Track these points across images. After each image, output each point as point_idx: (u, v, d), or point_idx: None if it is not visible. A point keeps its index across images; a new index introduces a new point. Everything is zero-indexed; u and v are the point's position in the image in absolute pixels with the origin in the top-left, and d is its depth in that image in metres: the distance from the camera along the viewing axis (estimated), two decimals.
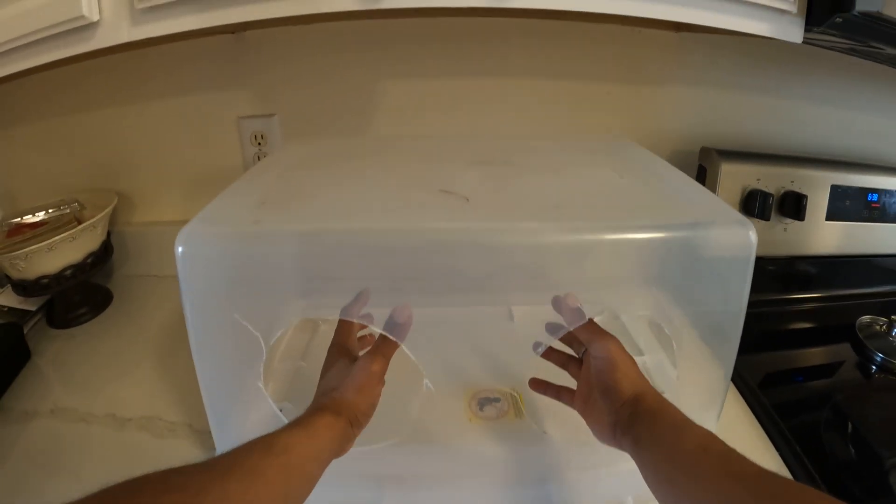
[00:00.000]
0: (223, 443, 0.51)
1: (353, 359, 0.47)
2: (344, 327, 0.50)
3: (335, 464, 0.40)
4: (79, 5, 0.54)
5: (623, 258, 0.42)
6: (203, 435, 0.61)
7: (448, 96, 0.86)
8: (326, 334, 0.69)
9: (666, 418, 0.39)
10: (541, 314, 0.51)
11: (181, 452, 0.60)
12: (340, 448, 0.41)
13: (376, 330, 0.46)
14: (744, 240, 0.40)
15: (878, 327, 0.80)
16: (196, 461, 0.59)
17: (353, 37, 0.81)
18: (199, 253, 0.41)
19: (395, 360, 0.46)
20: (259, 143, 0.87)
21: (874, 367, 0.75)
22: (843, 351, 0.78)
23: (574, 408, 0.47)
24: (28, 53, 0.60)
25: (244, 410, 0.52)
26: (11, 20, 0.58)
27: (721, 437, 0.36)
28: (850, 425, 0.63)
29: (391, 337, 0.45)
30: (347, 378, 0.44)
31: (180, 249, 0.41)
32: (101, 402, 0.67)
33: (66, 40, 0.58)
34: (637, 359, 0.62)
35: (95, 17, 0.55)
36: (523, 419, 0.54)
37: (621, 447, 0.41)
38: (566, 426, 0.51)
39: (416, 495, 0.49)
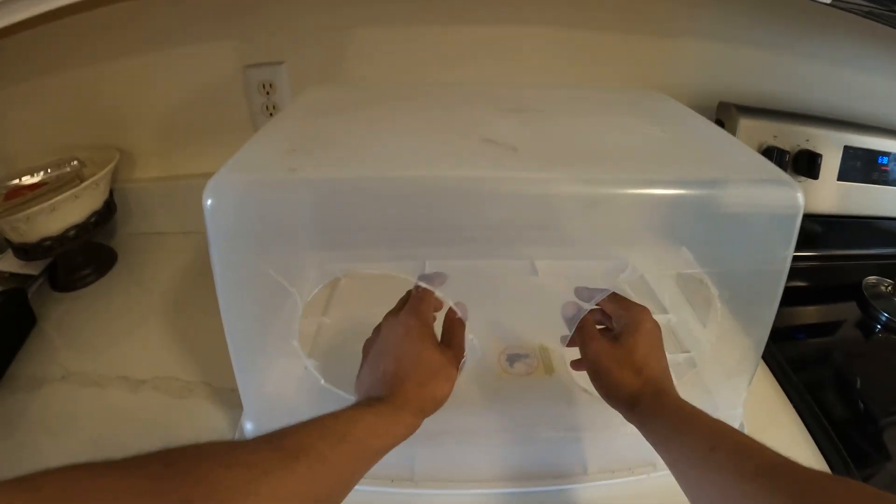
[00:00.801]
0: (250, 399, 0.51)
1: (432, 336, 0.43)
2: (425, 298, 0.45)
3: None
4: None
5: (667, 213, 0.41)
6: (223, 393, 0.61)
7: (460, 44, 0.83)
8: (346, 289, 0.69)
9: (671, 418, 0.38)
10: (562, 268, 0.51)
11: (202, 412, 0.59)
12: None
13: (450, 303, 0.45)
14: (791, 201, 0.40)
15: (883, 288, 0.83)
16: (219, 420, 0.58)
17: None
18: (229, 204, 0.40)
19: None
20: (267, 93, 0.83)
21: (878, 327, 0.78)
22: (849, 309, 0.81)
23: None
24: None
25: (270, 366, 0.52)
26: None
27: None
28: (856, 383, 0.65)
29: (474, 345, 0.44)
30: (442, 375, 0.41)
31: (209, 202, 0.39)
32: (112, 365, 0.66)
33: None
34: (661, 317, 0.63)
35: None
36: (553, 375, 0.55)
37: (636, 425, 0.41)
38: None
39: (444, 449, 0.50)
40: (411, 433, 0.38)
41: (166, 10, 0.77)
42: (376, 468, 0.46)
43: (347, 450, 0.33)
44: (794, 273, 0.90)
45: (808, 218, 0.91)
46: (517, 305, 0.55)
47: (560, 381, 0.55)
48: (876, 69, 0.90)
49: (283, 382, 0.53)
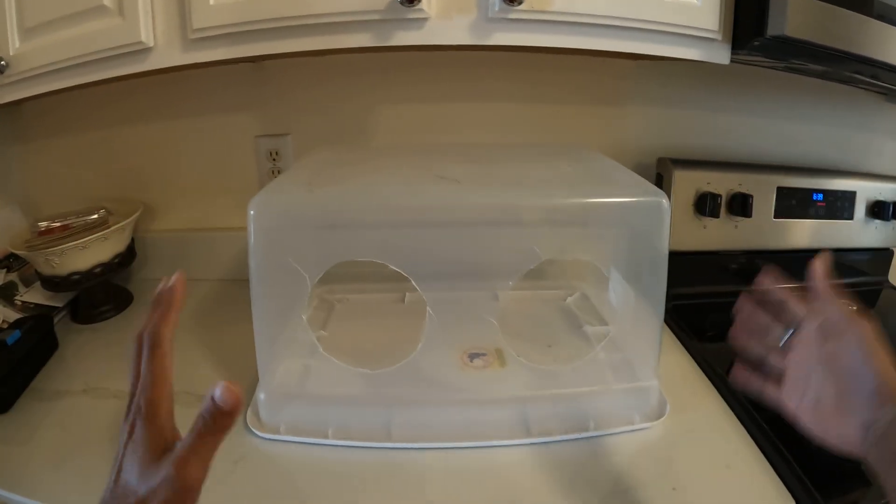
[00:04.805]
0: (265, 374, 0.68)
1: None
2: (157, 381, 0.36)
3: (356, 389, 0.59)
4: (138, 32, 0.69)
5: (574, 222, 0.62)
6: None
7: (438, 117, 1.05)
8: (341, 312, 0.90)
9: None
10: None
11: None
12: None
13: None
14: (659, 205, 0.60)
15: None
16: None
17: (358, 66, 1.00)
18: (265, 213, 0.60)
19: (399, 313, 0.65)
20: (274, 159, 1.05)
21: None
22: None
23: (782, 402, 0.44)
24: (83, 71, 0.73)
25: (280, 355, 0.71)
26: (72, 41, 0.71)
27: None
28: None
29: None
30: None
31: (252, 213, 0.59)
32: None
33: (121, 61, 0.72)
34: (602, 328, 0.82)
35: (151, 43, 0.70)
36: (505, 367, 0.73)
37: (867, 455, 0.36)
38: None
39: (415, 414, 0.67)
40: None
41: (190, 84, 0.99)
42: (359, 429, 0.64)
43: None
44: None
45: (758, 256, 1.07)
46: (481, 320, 0.73)
47: (510, 371, 0.73)
48: (801, 116, 1.11)
49: (286, 373, 0.72)
